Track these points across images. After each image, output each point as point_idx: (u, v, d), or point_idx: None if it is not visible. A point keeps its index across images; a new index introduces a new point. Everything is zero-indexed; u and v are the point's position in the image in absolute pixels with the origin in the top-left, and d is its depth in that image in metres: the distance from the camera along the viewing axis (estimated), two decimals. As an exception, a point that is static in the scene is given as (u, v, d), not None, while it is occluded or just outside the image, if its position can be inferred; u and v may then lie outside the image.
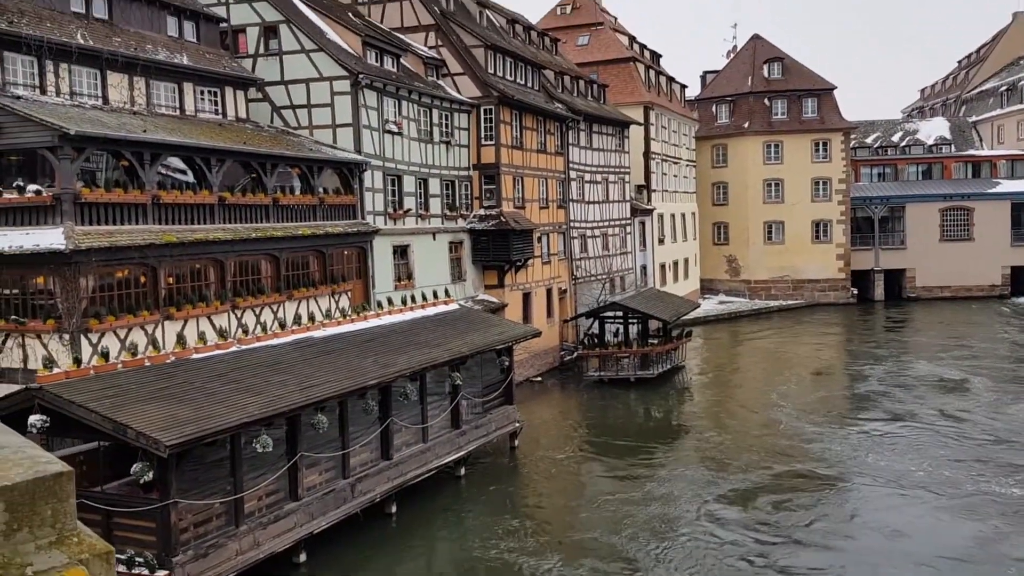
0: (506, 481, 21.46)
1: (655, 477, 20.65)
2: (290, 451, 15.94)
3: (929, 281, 55.24)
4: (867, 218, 56.08)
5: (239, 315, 19.71)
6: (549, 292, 34.80)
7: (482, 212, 30.78)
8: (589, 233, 38.64)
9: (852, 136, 56.97)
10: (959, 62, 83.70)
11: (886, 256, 55.97)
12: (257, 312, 20.24)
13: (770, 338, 43.60)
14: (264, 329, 19.69)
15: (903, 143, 62.63)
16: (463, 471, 21.25)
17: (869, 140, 63.03)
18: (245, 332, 19.03)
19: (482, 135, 31.06)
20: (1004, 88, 63.76)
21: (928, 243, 55.30)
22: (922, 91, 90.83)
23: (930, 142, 62.37)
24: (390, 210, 26.09)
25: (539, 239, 33.45)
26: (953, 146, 61.79)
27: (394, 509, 18.67)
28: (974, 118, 66.78)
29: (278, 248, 20.99)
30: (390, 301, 24.22)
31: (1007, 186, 55.83)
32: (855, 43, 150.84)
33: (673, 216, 50.06)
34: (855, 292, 54.78)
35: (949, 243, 55.27)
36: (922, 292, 55.27)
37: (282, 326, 19.46)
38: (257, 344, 17.70)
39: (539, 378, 33.10)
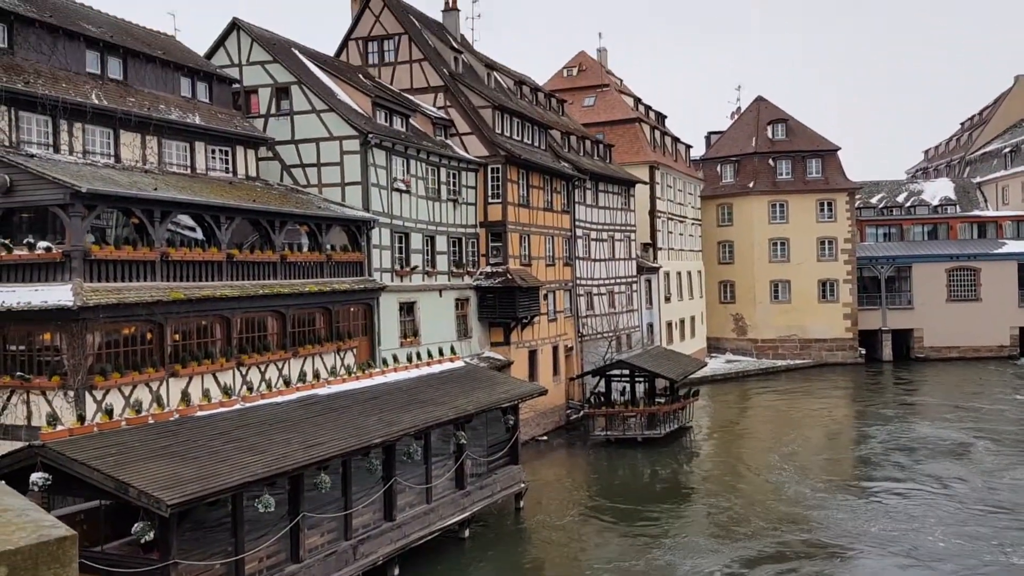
0: (510, 544, 21.12)
1: (659, 543, 20.25)
2: (292, 511, 15.73)
3: (937, 341, 54.98)
4: (873, 278, 56.06)
5: (244, 372, 19.67)
6: (555, 350, 34.70)
7: (488, 269, 30.88)
8: (595, 291, 38.68)
9: (857, 196, 57.30)
10: (962, 124, 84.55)
11: (893, 316, 55.81)
12: (262, 369, 20.20)
13: (778, 398, 43.26)
14: (269, 386, 19.61)
15: (908, 203, 62.91)
16: (467, 533, 20.93)
17: (874, 200, 63.33)
18: (250, 389, 18.96)
19: (489, 193, 31.32)
20: (1008, 149, 64.25)
21: (935, 303, 55.15)
22: (926, 152, 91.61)
23: (935, 203, 62.66)
24: (397, 267, 26.20)
25: (545, 296, 33.48)
26: (958, 207, 62.04)
27: (396, 572, 18.36)
28: (978, 179, 67.16)
29: (285, 305, 21.03)
30: (395, 358, 24.14)
31: (1013, 247, 55.90)
32: (859, 105, 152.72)
33: (679, 274, 50.15)
34: (863, 352, 54.49)
35: (956, 303, 55.13)
36: (930, 352, 54.97)
37: (287, 383, 19.41)
38: (261, 401, 17.62)
39: (545, 437, 32.81)
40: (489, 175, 31.31)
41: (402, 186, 26.55)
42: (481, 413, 21.69)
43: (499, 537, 21.39)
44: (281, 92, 25.84)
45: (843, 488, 24.84)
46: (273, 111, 25.87)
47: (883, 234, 59.69)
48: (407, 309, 26.67)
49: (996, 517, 21.39)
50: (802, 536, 20.40)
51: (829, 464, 28.77)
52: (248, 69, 26.08)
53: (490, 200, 31.34)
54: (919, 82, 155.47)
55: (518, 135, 33.71)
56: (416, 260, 27.16)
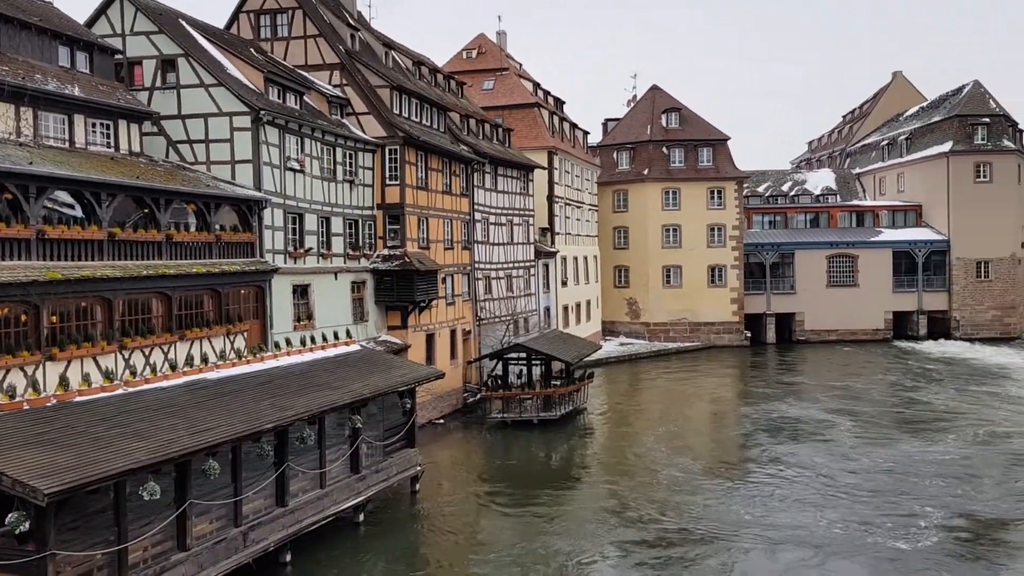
0: (406, 527, 21.03)
1: (553, 527, 20.30)
2: (179, 499, 15.25)
3: (817, 325, 57.60)
4: (759, 264, 58.21)
5: (127, 356, 18.88)
6: (453, 333, 34.67)
7: (386, 252, 30.55)
8: (494, 275, 38.80)
9: (745, 185, 59.28)
10: (844, 117, 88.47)
11: (777, 300, 58.13)
12: (147, 353, 19.44)
13: (668, 380, 44.46)
14: (154, 371, 18.90)
15: (792, 192, 65.53)
16: (362, 517, 20.75)
17: (761, 189, 65.70)
18: (133, 374, 18.22)
19: (387, 175, 30.94)
20: (885, 143, 67.62)
21: (816, 288, 57.73)
22: (810, 143, 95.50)
23: (817, 192, 65.50)
24: (290, 249, 25.61)
25: (443, 280, 33.37)
26: (839, 196, 65.02)
27: (288, 558, 18.05)
28: (858, 170, 70.50)
29: (171, 286, 20.27)
30: (288, 342, 23.65)
31: (888, 235, 58.98)
32: (748, 96, 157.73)
33: (576, 259, 50.83)
34: (748, 335, 56.61)
35: (836, 288, 57.83)
36: (811, 335, 57.54)
37: (173, 367, 18.75)
38: (146, 386, 16.97)
39: (442, 420, 32.80)
40: (387, 156, 30.91)
41: (296, 165, 25.94)
42: (377, 397, 21.48)
43: (394, 521, 21.29)
44: (167, 64, 24.79)
45: (725, 471, 25.38)
46: (159, 84, 24.80)
47: (769, 222, 62.03)
48: (301, 292, 26.13)
49: (871, 499, 22.02)
50: (685, 522, 20.46)
51: (713, 445, 29.66)
52: (132, 39, 24.90)
53: (388, 182, 30.97)
54: (805, 75, 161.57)
55: (416, 116, 33.39)
56: (311, 242, 26.61)
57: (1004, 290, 57.29)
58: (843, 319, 57.36)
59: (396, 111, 31.66)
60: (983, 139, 57.30)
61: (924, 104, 69.22)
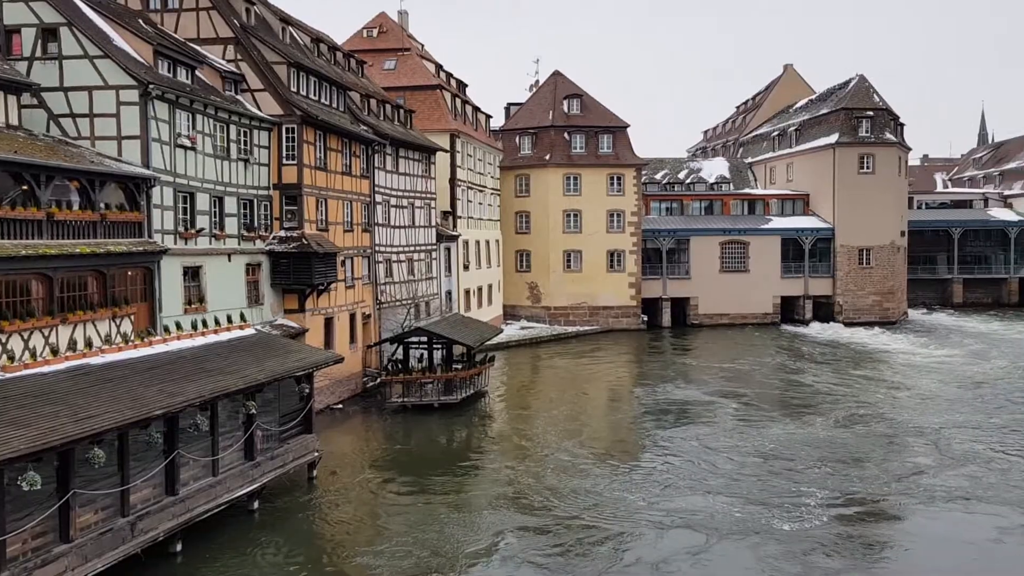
0: (302, 515, 20.67)
1: (449, 515, 20.16)
2: (61, 489, 14.58)
3: (710, 309, 59.38)
4: (656, 249, 59.53)
5: (4, 340, 17.89)
6: (352, 317, 34.21)
7: (282, 234, 29.83)
8: (394, 258, 38.43)
9: (643, 172, 60.43)
10: (737, 107, 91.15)
11: (673, 285, 59.62)
12: (25, 337, 18.45)
13: (567, 363, 45.07)
14: (33, 355, 17.95)
15: (688, 180, 67.19)
16: (257, 505, 20.32)
17: (658, 176, 67.11)
18: (11, 359, 17.27)
19: (284, 154, 30.17)
20: (776, 133, 70.01)
21: (710, 274, 59.47)
22: (705, 132, 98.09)
23: (712, 180, 67.35)
24: (181, 229, 24.70)
25: (343, 263, 32.84)
26: (732, 185, 67.03)
27: (179, 547, 17.54)
28: (750, 159, 72.81)
29: (51, 267, 19.27)
30: (179, 326, 22.86)
31: (778, 223, 61.19)
32: (647, 85, 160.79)
33: (478, 243, 50.84)
34: (645, 319, 57.91)
35: (728, 274, 59.70)
36: (704, 319, 59.29)
37: (55, 352, 17.85)
38: (25, 372, 16.10)
39: (340, 405, 32.37)
40: (284, 135, 30.15)
41: (187, 142, 24.99)
42: (273, 382, 21.01)
43: (290, 508, 20.91)
44: (48, 34, 23.44)
45: (618, 454, 25.59)
46: (39, 54, 23.43)
47: (666, 208, 63.49)
48: (192, 274, 25.25)
49: (757, 481, 22.56)
50: (579, 508, 20.35)
51: (608, 429, 30.12)
52: (9, 6, 23.43)
53: (285, 161, 30.21)
54: (703, 65, 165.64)
55: (315, 95, 32.64)
56: (203, 222, 25.72)
57: (884, 276, 60.27)
58: (735, 303, 59.30)
59: (294, 89, 30.88)
60: (867, 132, 59.97)
61: (813, 97, 71.90)
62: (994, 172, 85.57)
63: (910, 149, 65.73)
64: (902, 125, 63.18)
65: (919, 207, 74.51)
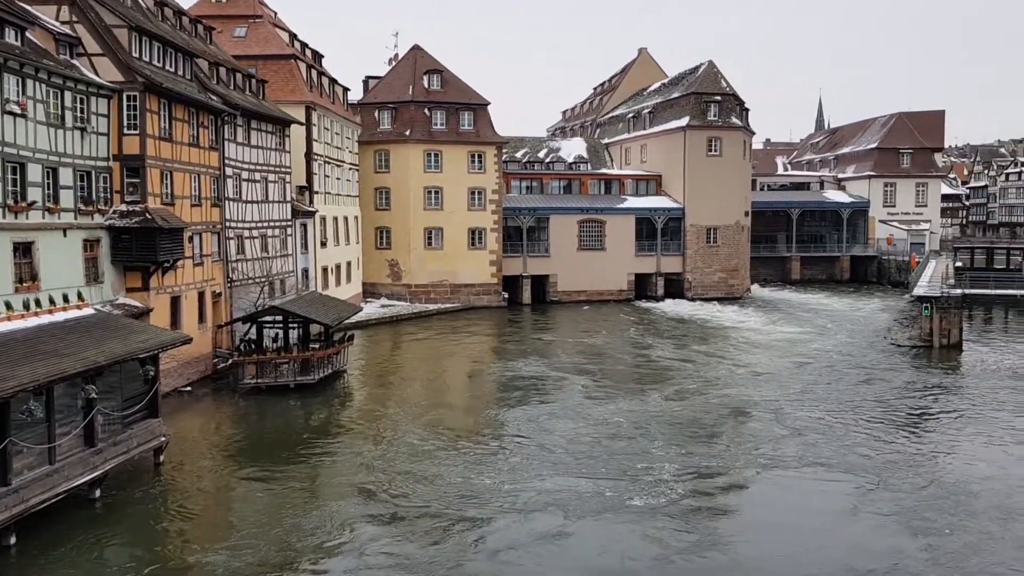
0: (147, 503, 19.73)
1: (303, 503, 19.51)
2: None
3: (569, 286, 60.65)
4: (517, 227, 60.14)
5: None
6: (202, 296, 32.81)
7: (124, 208, 28.17)
8: (247, 234, 37.07)
9: (504, 150, 60.79)
10: (595, 88, 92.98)
11: (533, 263, 60.47)
12: None
13: (428, 341, 44.98)
14: None
15: (548, 159, 68.13)
16: (99, 493, 19.26)
17: (519, 155, 67.71)
18: None
19: (125, 124, 28.44)
20: (631, 115, 71.92)
21: (568, 252, 60.68)
22: (564, 113, 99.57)
23: (570, 160, 68.57)
24: (10, 202, 22.88)
25: (190, 239, 31.40)
26: (590, 164, 68.47)
27: (13, 540, 16.45)
28: (607, 140, 74.55)
29: None
30: (9, 305, 21.25)
31: (632, 202, 63.06)
32: (508, 64, 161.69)
33: (336, 219, 49.77)
34: (506, 296, 58.51)
35: (586, 252, 61.10)
36: (563, 296, 60.52)
37: None
38: None
39: (189, 388, 31.08)
40: (125, 103, 28.41)
41: (16, 109, 23.11)
42: (115, 364, 19.91)
43: (135, 496, 19.93)
44: None
45: (476, 436, 25.21)
46: None
47: (526, 187, 64.18)
48: (23, 250, 23.46)
49: (612, 459, 22.83)
50: (437, 494, 19.90)
51: (467, 410, 29.62)
52: None
53: (126, 131, 28.50)
54: (561, 47, 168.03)
55: (159, 61, 30.90)
56: (35, 195, 23.90)
57: (729, 255, 63.23)
58: (592, 281, 60.80)
59: (135, 54, 29.11)
60: (715, 116, 62.51)
61: (665, 81, 74.24)
62: (830, 156, 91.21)
63: (754, 133, 69.04)
64: (747, 110, 66.21)
65: (762, 189, 78.49)
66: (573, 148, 70.86)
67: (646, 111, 68.93)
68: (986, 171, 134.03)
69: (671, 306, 57.85)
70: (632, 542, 17.41)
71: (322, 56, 53.74)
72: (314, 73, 48.75)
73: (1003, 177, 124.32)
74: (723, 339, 44.15)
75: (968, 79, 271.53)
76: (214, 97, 34.43)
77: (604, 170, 67.93)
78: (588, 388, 31.99)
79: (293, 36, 50.15)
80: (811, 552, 17.02)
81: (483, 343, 45.75)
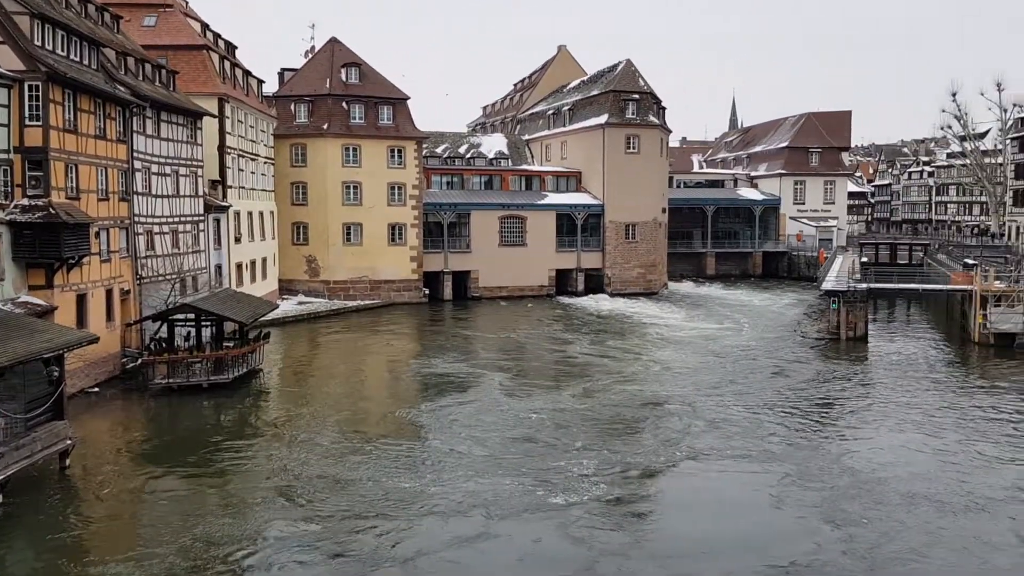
0: (51, 509, 18.90)
1: (216, 509, 18.87)
2: None
3: (490, 282, 60.69)
4: (438, 223, 59.86)
5: None
6: (109, 293, 31.65)
7: (26, 202, 26.96)
8: (157, 229, 35.91)
9: (424, 145, 60.40)
10: (515, 85, 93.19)
11: (454, 259, 60.30)
12: None
13: (346, 339, 44.40)
14: None
15: (468, 155, 67.99)
16: (0, 499, 18.40)
17: (439, 150, 67.38)
18: None
19: (26, 114, 27.20)
20: (551, 112, 72.34)
21: (489, 247, 60.70)
22: (484, 108, 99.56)
23: (491, 156, 68.57)
24: (-102, 195, 21.65)
25: (97, 234, 30.25)
26: (510, 161, 68.61)
27: (-99, 555, 15.51)
28: (527, 136, 74.82)
29: None
30: (-102, 305, 20.07)
31: (553, 199, 63.47)
32: (429, 58, 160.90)
33: (251, 214, 48.66)
34: (427, 292, 58.18)
35: (507, 248, 61.24)
36: (484, 292, 60.52)
37: None
38: None
39: (96, 389, 29.96)
40: (26, 93, 27.17)
41: (-96, 96, 21.87)
42: (17, 365, 19.01)
43: (39, 502, 19.08)
44: None
45: (393, 436, 24.64)
46: None
47: (447, 182, 63.93)
48: (-86, 246, 22.25)
49: (532, 456, 22.65)
50: (354, 497, 19.46)
51: (384, 409, 28.80)
52: None
53: (28, 122, 27.27)
54: (480, 42, 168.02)
55: (63, 50, 29.63)
56: (-74, 187, 22.69)
57: (647, 251, 64.26)
58: (513, 277, 60.97)
59: (38, 43, 27.85)
60: (633, 114, 63.37)
61: (584, 78, 74.92)
62: (743, 155, 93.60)
63: (671, 131, 70.25)
64: (664, 108, 67.32)
65: (678, 186, 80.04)
66: (494, 144, 70.89)
67: (566, 108, 69.42)
68: (890, 170, 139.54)
69: (591, 301, 58.45)
70: (554, 542, 17.23)
71: (235, 47, 52.42)
72: (227, 64, 47.53)
73: (906, 176, 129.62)
74: (641, 334, 44.82)
75: (873, 81, 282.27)
76: (122, 88, 33.23)
77: (525, 166, 68.15)
78: (508, 385, 31.92)
79: (205, 26, 48.77)
80: (734, 545, 17.24)
81: (403, 340, 45.42)
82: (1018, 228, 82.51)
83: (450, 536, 17.41)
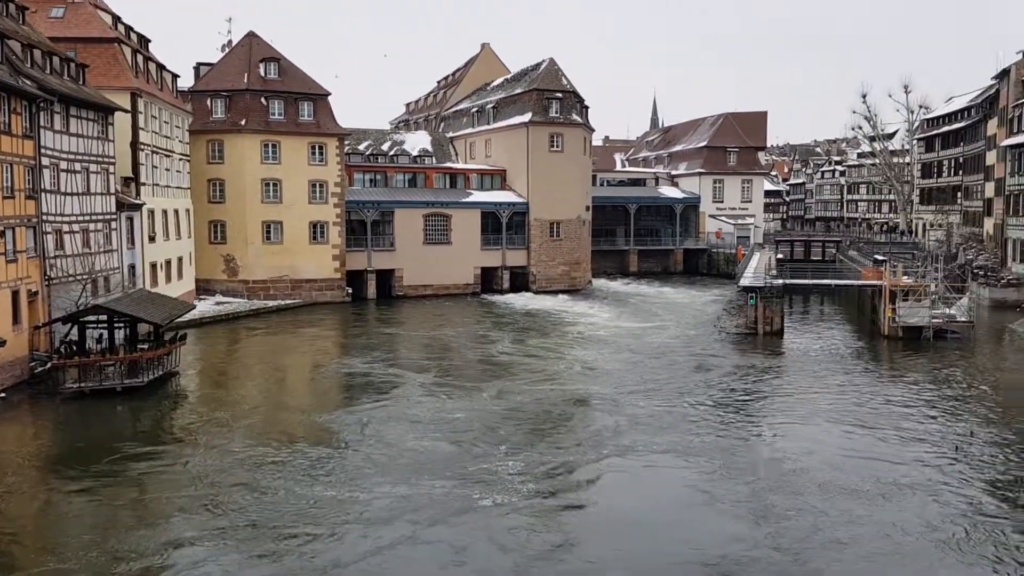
0: (-47, 523, 17.99)
1: (129, 521, 18.06)
2: None
3: (415, 280, 60.30)
4: (361, 221, 59.17)
5: None
6: (16, 295, 30.28)
7: (-79, 200, 25.59)
8: (67, 228, 34.51)
9: (346, 142, 59.61)
10: (439, 82, 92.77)
11: (378, 257, 59.69)
12: None
13: (266, 340, 43.50)
14: None
15: (392, 152, 67.37)
16: None
17: (361, 147, 66.57)
18: None
19: (-79, 107, 25.83)
20: (475, 110, 72.23)
21: (414, 246, 60.30)
22: (408, 105, 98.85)
23: (415, 153, 68.10)
24: None
25: (2, 234, 28.90)
26: (434, 158, 68.26)
27: None
28: (451, 134, 74.56)
29: None
30: None
31: (478, 196, 63.40)
32: (350, 54, 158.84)
33: (166, 212, 47.24)
34: (350, 291, 57.45)
35: (431, 246, 60.93)
36: (409, 291, 60.09)
37: None
38: None
39: (3, 394, 28.64)
40: (-79, 85, 25.79)
41: None
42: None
43: (-62, 517, 18.13)
44: None
45: (311, 442, 23.79)
46: None
47: (370, 180, 63.28)
48: None
49: (454, 459, 22.35)
50: (272, 506, 18.74)
51: (303, 413, 27.90)
52: None
53: (-78, 115, 25.89)
54: (404, 39, 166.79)
55: (-39, 40, 28.23)
56: None
57: (572, 248, 64.76)
58: (438, 275, 60.70)
59: (-67, 31, 26.46)
60: (557, 112, 63.74)
61: (508, 76, 75.04)
62: (663, 154, 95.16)
63: (594, 130, 70.92)
64: (587, 107, 67.91)
65: (601, 184, 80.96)
66: (418, 141, 70.43)
67: (490, 106, 69.40)
68: (804, 169, 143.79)
69: (516, 299, 58.61)
70: (482, 547, 16.91)
71: (149, 40, 50.83)
72: (140, 58, 46.02)
73: (819, 175, 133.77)
74: (566, 332, 45.07)
75: (788, 82, 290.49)
76: (28, 81, 31.83)
77: (449, 164, 67.90)
78: (432, 386, 31.54)
79: (116, 19, 47.12)
80: (667, 543, 17.28)
81: (325, 341, 44.73)
82: (924, 225, 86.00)
83: (372, 545, 16.83)
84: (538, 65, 68.68)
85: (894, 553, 16.70)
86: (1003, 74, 61.91)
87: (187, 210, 51.44)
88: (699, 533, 17.78)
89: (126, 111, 41.83)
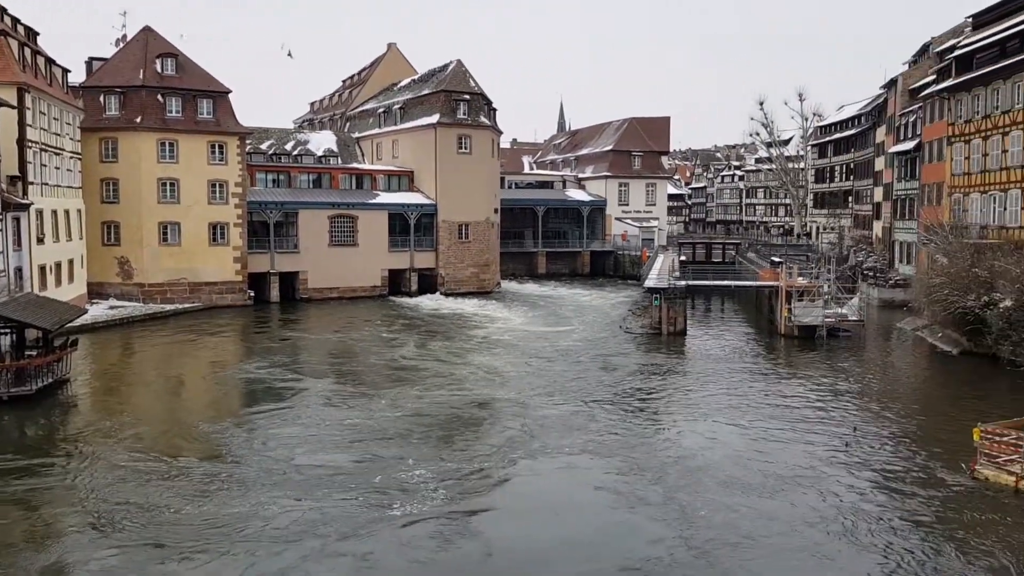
0: None
1: (18, 543, 17.07)
2: None
3: (320, 283, 59.24)
4: (263, 222, 57.78)
5: None
6: None
7: None
8: (-56, 229, 32.56)
9: (248, 142, 58.13)
10: (344, 82, 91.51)
11: (281, 259, 58.38)
12: None
13: (163, 344, 41.95)
14: None
15: (296, 152, 66.10)
16: None
17: (264, 147, 65.10)
18: None
19: None
20: (381, 110, 71.51)
21: (319, 248, 59.22)
22: (312, 104, 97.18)
23: (320, 153, 67.00)
24: None
25: None
26: (340, 159, 67.30)
27: None
28: (357, 134, 73.63)
29: None
30: None
31: (385, 198, 62.75)
32: (251, 52, 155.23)
33: (55, 212, 45.07)
34: (252, 294, 56.01)
35: (337, 248, 59.96)
36: (314, 293, 58.99)
37: None
38: None
39: None
40: None
41: None
42: None
43: None
44: None
45: (208, 455, 22.83)
46: None
47: (273, 180, 61.89)
48: None
49: (360, 469, 21.64)
50: (172, 527, 17.74)
51: (198, 423, 26.50)
52: None
53: None
54: (308, 38, 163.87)
55: None
56: None
57: (480, 250, 64.77)
58: (345, 277, 59.80)
59: None
60: (464, 114, 63.67)
61: (415, 77, 74.59)
62: (571, 157, 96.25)
63: (502, 132, 71.15)
64: (495, 110, 68.09)
65: (510, 187, 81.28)
66: (323, 141, 69.29)
67: (397, 107, 68.82)
68: (705, 173, 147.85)
69: (424, 301, 58.22)
70: (391, 560, 16.40)
71: (37, 33, 48.42)
72: (27, 51, 43.79)
73: (719, 179, 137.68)
74: (473, 335, 44.92)
75: (690, 89, 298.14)
76: (-102, 71, 29.87)
77: (355, 165, 67.02)
78: (336, 392, 30.70)
79: (2, 10, 44.71)
80: (581, 548, 17.08)
81: (224, 345, 43.43)
82: (818, 228, 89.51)
83: (277, 565, 16.01)
84: (446, 66, 68.47)
85: (800, 549, 17.03)
86: (891, 83, 64.95)
87: (78, 210, 49.22)
88: (615, 536, 17.70)
89: (12, 107, 39.72)
